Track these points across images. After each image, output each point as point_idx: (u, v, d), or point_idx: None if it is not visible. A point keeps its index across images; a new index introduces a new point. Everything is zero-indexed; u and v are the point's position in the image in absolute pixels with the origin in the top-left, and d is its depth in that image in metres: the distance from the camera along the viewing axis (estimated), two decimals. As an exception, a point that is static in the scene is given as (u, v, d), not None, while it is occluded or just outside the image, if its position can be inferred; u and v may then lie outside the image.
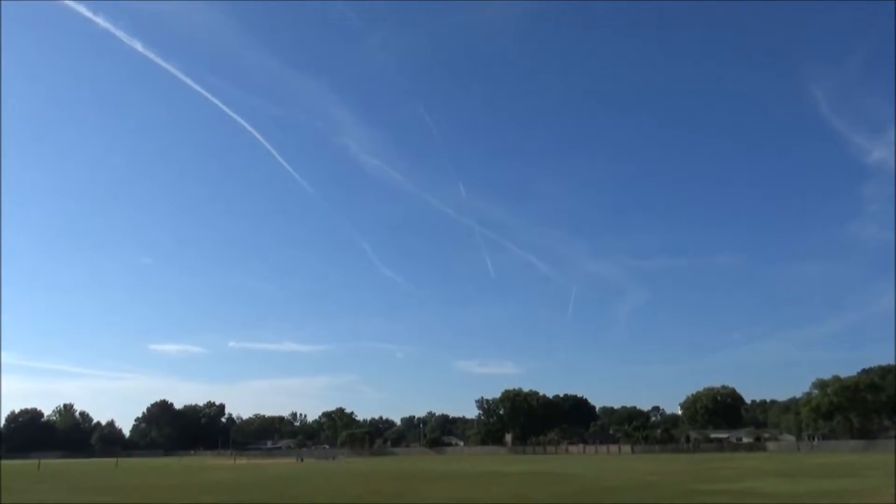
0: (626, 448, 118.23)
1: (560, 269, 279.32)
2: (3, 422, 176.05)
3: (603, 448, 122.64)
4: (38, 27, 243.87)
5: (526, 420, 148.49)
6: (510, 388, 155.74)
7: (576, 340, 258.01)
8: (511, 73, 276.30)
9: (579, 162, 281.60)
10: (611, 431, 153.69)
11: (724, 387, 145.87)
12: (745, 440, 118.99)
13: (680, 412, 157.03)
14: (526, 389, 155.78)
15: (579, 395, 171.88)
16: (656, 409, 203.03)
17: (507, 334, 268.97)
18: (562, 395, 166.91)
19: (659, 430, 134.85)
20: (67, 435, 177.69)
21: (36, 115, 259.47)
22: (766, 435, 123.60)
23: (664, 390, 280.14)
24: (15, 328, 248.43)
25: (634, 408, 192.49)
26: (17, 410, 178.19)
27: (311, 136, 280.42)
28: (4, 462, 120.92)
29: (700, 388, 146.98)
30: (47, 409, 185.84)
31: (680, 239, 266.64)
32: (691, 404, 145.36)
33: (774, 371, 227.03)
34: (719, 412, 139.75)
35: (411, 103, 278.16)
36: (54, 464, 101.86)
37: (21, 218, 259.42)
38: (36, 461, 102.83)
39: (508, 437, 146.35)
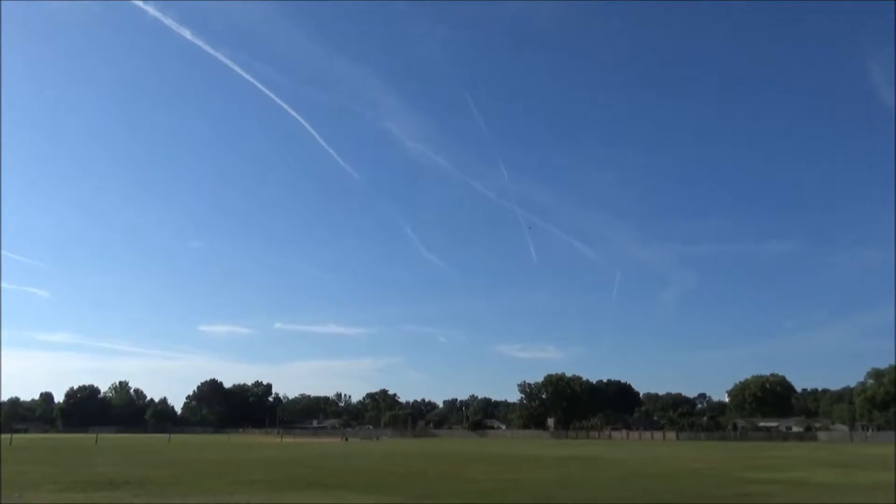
0: (671, 435, 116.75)
1: (604, 253, 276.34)
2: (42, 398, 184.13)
3: (647, 434, 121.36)
4: (93, 21, 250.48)
5: (568, 405, 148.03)
6: (552, 372, 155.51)
7: (620, 326, 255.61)
8: (555, 57, 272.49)
9: (626, 145, 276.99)
10: (655, 418, 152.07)
11: (773, 375, 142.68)
12: (795, 429, 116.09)
13: (727, 399, 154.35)
14: (569, 374, 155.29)
15: (623, 380, 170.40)
16: (702, 396, 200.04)
17: (549, 319, 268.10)
18: (605, 381, 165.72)
19: (705, 418, 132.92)
20: (122, 411, 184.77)
21: (89, 102, 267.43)
22: (818, 425, 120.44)
23: (711, 377, 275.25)
24: (73, 309, 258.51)
25: (680, 394, 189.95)
26: (75, 387, 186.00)
27: (356, 122, 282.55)
28: (64, 436, 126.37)
29: (748, 376, 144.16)
30: (104, 386, 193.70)
31: (730, 225, 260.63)
32: (739, 392, 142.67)
33: (827, 360, 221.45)
34: (768, 400, 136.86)
35: (455, 88, 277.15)
36: (111, 438, 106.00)
37: (79, 203, 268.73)
38: (94, 435, 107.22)
39: (551, 422, 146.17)
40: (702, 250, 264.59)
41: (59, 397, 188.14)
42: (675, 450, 68.01)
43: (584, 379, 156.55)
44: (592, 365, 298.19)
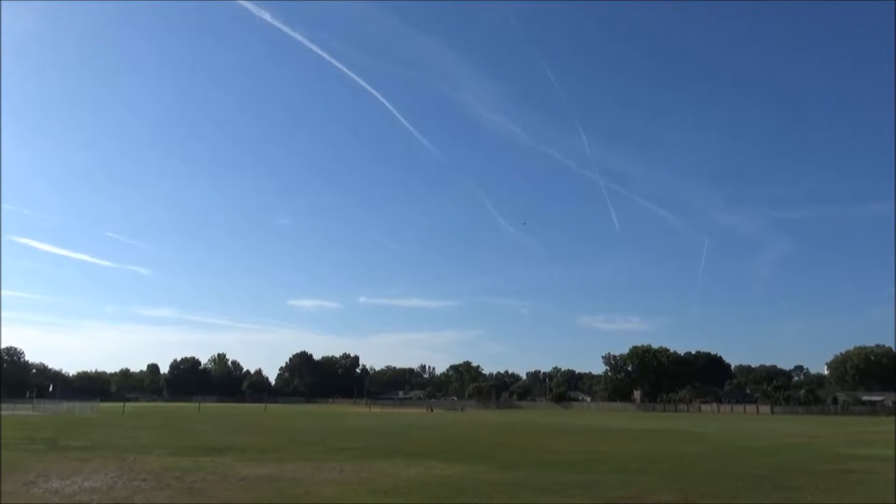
0: (765, 409, 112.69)
1: (691, 220, 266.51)
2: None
3: (739, 408, 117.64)
4: (176, 8, 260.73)
5: (655, 377, 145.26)
6: (638, 344, 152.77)
7: (708, 295, 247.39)
8: (635, 17, 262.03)
9: (711, 107, 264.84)
10: (748, 391, 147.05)
11: (878, 346, 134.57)
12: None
13: (826, 372, 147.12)
14: (655, 346, 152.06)
15: (713, 352, 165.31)
16: (799, 368, 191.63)
17: (633, 289, 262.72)
18: (694, 353, 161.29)
19: (802, 391, 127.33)
20: (221, 381, 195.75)
21: (175, 89, 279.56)
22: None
23: (808, 349, 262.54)
24: (173, 286, 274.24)
25: (774, 366, 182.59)
26: (178, 359, 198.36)
27: (432, 94, 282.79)
28: (170, 404, 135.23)
29: (850, 347, 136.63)
30: (203, 358, 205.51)
31: (824, 186, 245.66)
32: (840, 364, 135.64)
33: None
34: (872, 373, 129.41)
35: (531, 56, 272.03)
36: (211, 406, 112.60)
37: (175, 187, 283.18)
38: (196, 404, 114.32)
39: (637, 394, 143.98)
40: (794, 214, 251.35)
41: (164, 369, 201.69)
42: (769, 423, 65.65)
43: (672, 350, 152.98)
44: (679, 336, 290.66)
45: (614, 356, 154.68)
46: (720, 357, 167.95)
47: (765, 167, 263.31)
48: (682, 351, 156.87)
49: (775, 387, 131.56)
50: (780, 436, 42.50)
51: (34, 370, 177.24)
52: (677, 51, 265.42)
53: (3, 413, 69.84)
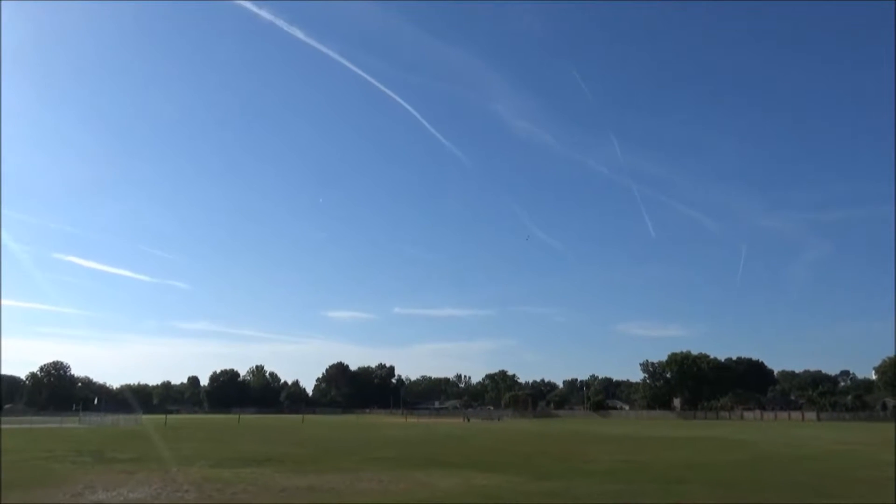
0: (811, 415, 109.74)
1: (727, 225, 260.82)
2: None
3: (783, 414, 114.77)
4: (211, 24, 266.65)
5: (695, 384, 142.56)
6: (676, 350, 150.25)
7: (748, 300, 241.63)
8: (665, 20, 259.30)
9: (746, 109, 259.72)
10: (792, 397, 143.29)
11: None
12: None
13: (874, 377, 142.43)
14: (694, 352, 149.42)
15: (754, 357, 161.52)
16: (845, 373, 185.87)
17: (670, 295, 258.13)
18: (734, 358, 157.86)
19: (849, 397, 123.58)
20: (260, 393, 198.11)
21: (209, 105, 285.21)
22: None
23: (854, 353, 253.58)
24: (214, 300, 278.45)
25: (819, 372, 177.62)
26: (217, 371, 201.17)
27: (462, 105, 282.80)
28: (210, 416, 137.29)
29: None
30: (242, 370, 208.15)
31: (864, 186, 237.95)
32: (888, 368, 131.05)
33: None
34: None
35: (561, 63, 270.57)
36: (250, 418, 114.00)
37: (210, 204, 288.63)
38: (236, 415, 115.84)
39: (677, 402, 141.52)
40: (834, 216, 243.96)
41: (204, 381, 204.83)
42: (815, 430, 63.91)
43: (712, 357, 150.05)
44: (719, 342, 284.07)
45: (652, 363, 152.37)
46: (762, 363, 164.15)
47: (802, 169, 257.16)
48: (722, 357, 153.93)
49: (821, 392, 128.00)
50: (826, 443, 41.36)
51: (79, 384, 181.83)
52: (710, 54, 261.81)
53: (51, 426, 71.83)
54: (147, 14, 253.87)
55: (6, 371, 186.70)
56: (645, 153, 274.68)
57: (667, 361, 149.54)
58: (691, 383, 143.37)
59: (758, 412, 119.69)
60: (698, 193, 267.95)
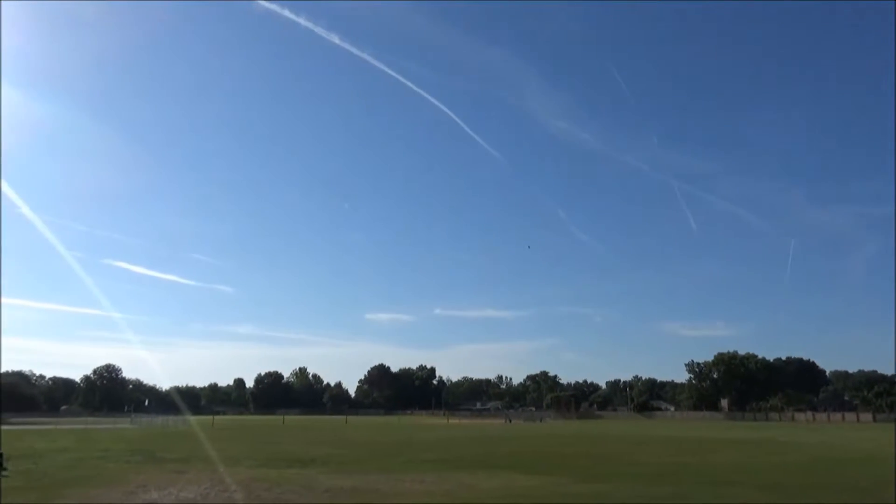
0: (866, 416, 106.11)
1: (774, 220, 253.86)
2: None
3: (836, 416, 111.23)
4: (251, 31, 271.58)
5: (743, 385, 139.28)
6: (722, 350, 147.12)
7: (797, 298, 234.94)
8: (705, 11, 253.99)
9: (793, 100, 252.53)
10: (846, 398, 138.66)
11: None
12: None
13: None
14: (741, 352, 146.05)
15: (805, 357, 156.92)
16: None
17: (715, 294, 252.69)
18: (784, 358, 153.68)
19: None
20: (303, 394, 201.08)
21: (248, 111, 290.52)
22: None
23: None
24: (259, 306, 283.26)
25: (875, 372, 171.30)
26: (262, 373, 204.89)
27: (497, 104, 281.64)
28: (256, 417, 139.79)
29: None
30: (286, 372, 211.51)
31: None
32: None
33: None
34: None
35: (597, 60, 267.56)
36: (295, 419, 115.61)
37: (252, 211, 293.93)
38: (280, 417, 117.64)
39: (724, 403, 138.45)
40: (887, 210, 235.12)
41: (249, 383, 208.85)
42: (871, 432, 61.72)
43: (760, 357, 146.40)
44: (767, 342, 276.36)
45: (698, 364, 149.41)
46: (813, 363, 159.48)
47: (852, 162, 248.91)
48: (770, 357, 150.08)
49: (877, 393, 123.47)
50: (882, 445, 39.87)
51: (130, 386, 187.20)
52: (752, 45, 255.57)
53: (105, 426, 74.11)
54: (192, 22, 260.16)
55: (63, 374, 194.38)
56: (685, 149, 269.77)
57: (713, 361, 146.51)
58: (739, 384, 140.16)
59: (809, 414, 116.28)
60: (742, 189, 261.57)
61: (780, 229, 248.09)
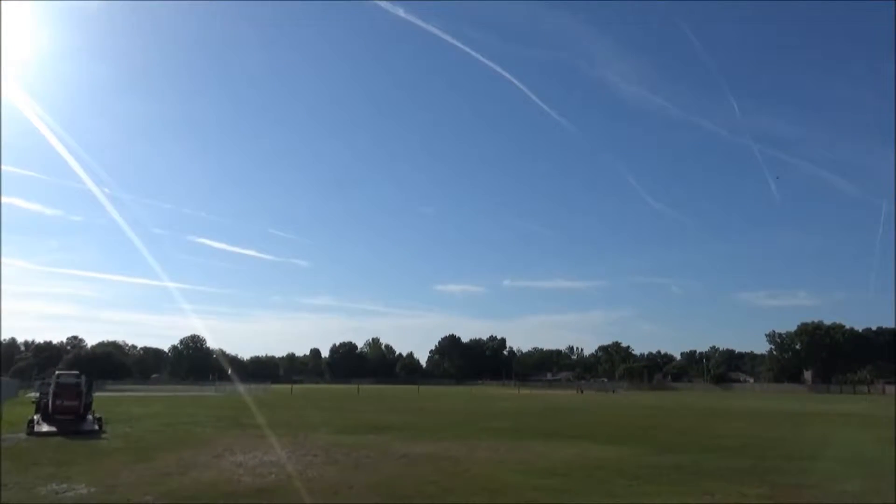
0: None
1: (863, 184, 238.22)
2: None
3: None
4: (314, 9, 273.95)
5: (828, 356, 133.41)
6: (806, 320, 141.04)
7: (889, 266, 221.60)
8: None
9: (885, 55, 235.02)
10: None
11: None
12: None
13: None
14: (827, 322, 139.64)
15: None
16: None
17: (798, 263, 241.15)
18: (874, 329, 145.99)
19: None
20: (376, 364, 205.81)
21: (315, 90, 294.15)
22: None
23: None
24: (333, 276, 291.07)
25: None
26: (337, 343, 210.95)
27: (569, 73, 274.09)
28: (332, 386, 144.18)
29: None
30: (360, 343, 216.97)
31: None
32: None
33: None
34: None
35: (671, 22, 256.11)
36: (369, 388, 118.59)
37: (326, 186, 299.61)
38: (355, 386, 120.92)
39: (807, 375, 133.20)
40: None
41: (325, 353, 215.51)
42: (971, 407, 58.02)
43: (847, 327, 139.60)
44: (855, 311, 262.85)
45: (780, 334, 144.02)
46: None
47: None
48: (859, 327, 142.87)
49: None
50: None
51: (214, 355, 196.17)
52: (835, 1, 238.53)
53: (192, 393, 78.06)
54: (284, 16, 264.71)
55: (153, 344, 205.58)
56: (766, 111, 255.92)
57: (796, 332, 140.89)
58: (824, 355, 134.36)
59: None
60: (830, 152, 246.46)
61: (869, 193, 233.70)
